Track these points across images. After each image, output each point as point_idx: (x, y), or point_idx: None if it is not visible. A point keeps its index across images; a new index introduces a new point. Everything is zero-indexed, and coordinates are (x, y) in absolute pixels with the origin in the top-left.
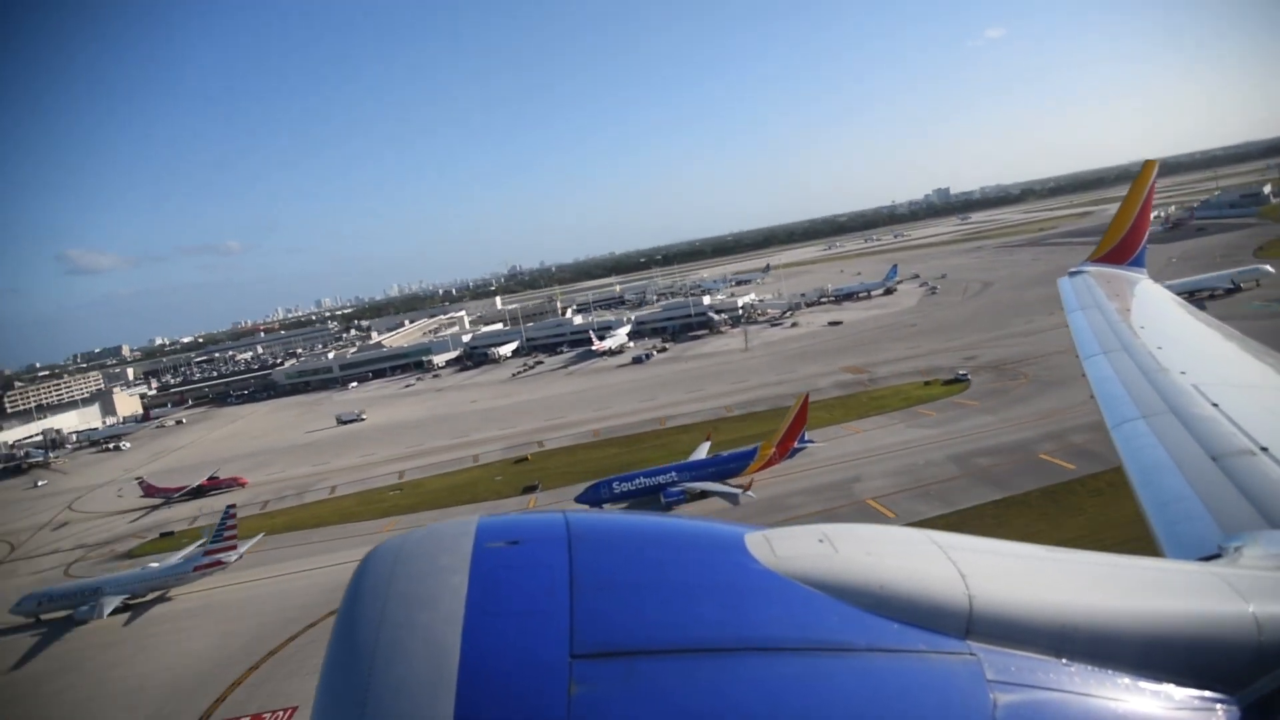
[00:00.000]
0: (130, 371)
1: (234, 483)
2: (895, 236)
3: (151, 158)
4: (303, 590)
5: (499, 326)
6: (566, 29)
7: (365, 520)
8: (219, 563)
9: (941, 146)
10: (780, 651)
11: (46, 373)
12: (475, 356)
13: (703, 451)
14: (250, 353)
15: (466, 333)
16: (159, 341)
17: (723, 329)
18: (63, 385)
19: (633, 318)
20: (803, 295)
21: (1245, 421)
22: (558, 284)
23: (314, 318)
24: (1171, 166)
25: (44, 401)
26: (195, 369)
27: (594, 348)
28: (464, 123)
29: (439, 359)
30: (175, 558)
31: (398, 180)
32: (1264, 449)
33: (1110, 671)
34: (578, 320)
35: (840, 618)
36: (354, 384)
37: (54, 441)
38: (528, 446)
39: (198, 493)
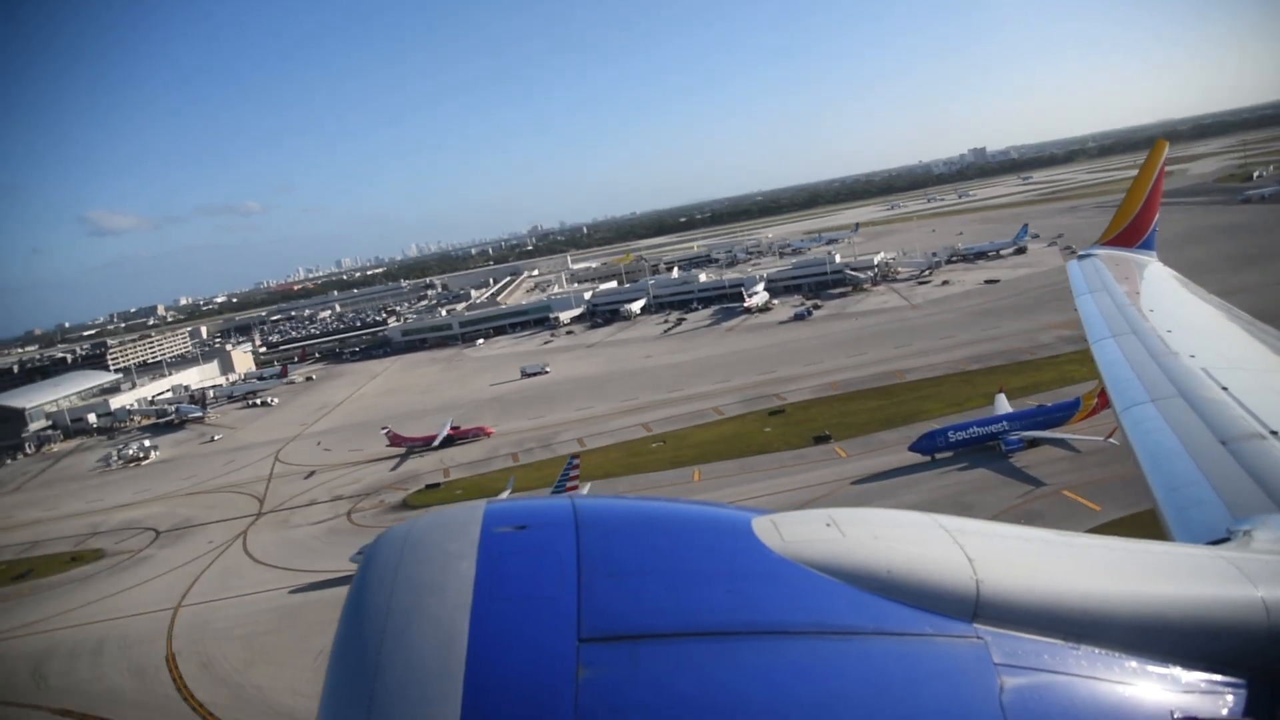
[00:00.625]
0: (204, 329)
1: (480, 432)
2: (960, 196)
3: (172, 119)
4: None
5: (612, 284)
6: None
7: (662, 470)
8: None
9: (966, 106)
10: (787, 635)
11: (93, 331)
12: (601, 314)
13: (1003, 403)
14: (328, 311)
15: (582, 290)
16: (184, 301)
17: (867, 287)
18: (153, 343)
19: (764, 275)
20: (934, 254)
21: (1255, 405)
22: (600, 244)
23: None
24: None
25: (140, 359)
26: (275, 328)
27: (746, 304)
28: (480, 85)
29: (564, 316)
30: None
31: (414, 140)
32: (1274, 433)
33: (1118, 655)
34: (703, 278)
35: (847, 602)
36: (481, 340)
37: (202, 398)
38: (761, 400)
39: (444, 443)
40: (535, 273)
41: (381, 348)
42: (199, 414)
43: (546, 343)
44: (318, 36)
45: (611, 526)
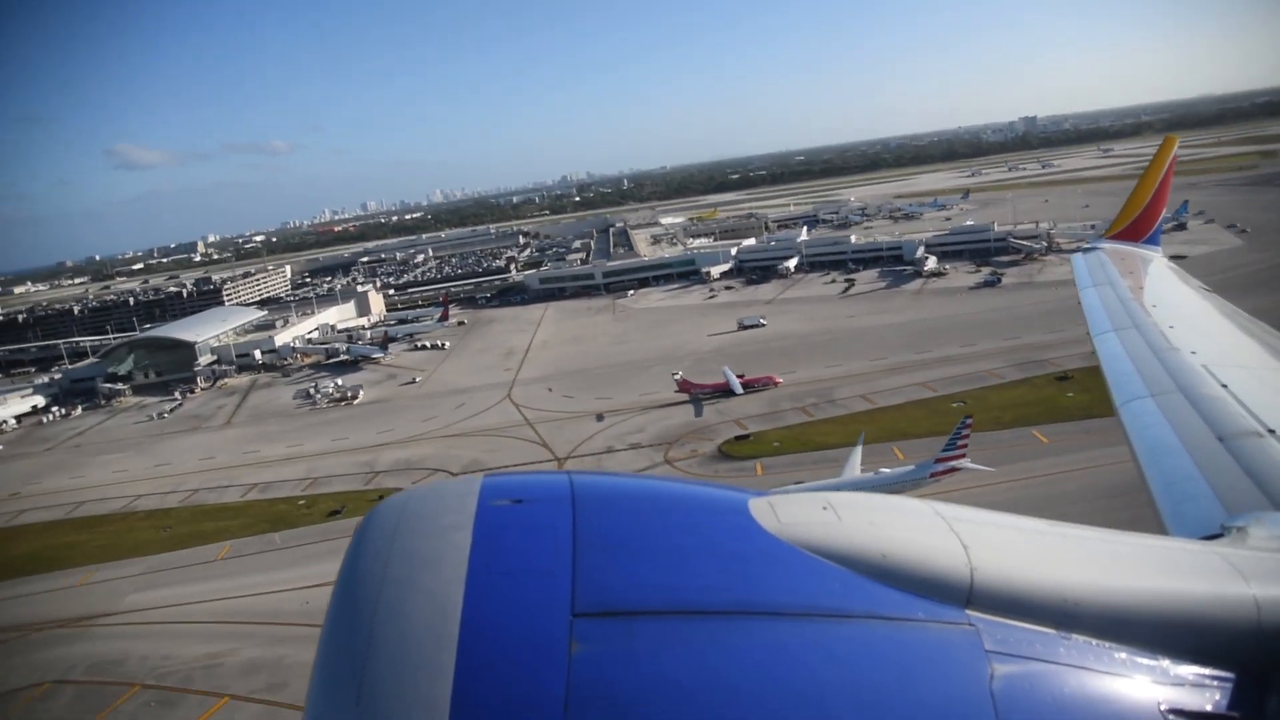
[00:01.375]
0: (289, 269)
1: (769, 382)
2: (1044, 166)
3: (202, 53)
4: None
5: (750, 241)
6: None
7: (999, 430)
8: (953, 470)
9: (1004, 73)
10: (780, 616)
11: (140, 266)
12: (751, 270)
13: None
14: (421, 255)
15: (727, 245)
16: (212, 239)
17: (1038, 256)
18: (255, 281)
19: (923, 240)
20: (1091, 225)
21: (1254, 403)
22: (656, 199)
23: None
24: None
25: (245, 298)
26: (370, 270)
27: (925, 268)
28: (509, 34)
29: (715, 271)
30: (907, 465)
31: (442, 84)
32: (1271, 431)
33: (1108, 646)
34: (854, 239)
35: (841, 585)
36: (631, 292)
37: (385, 337)
38: (1028, 366)
39: (729, 392)
40: (674, 221)
41: (517, 294)
42: (378, 354)
43: (711, 297)
44: None
45: (608, 503)
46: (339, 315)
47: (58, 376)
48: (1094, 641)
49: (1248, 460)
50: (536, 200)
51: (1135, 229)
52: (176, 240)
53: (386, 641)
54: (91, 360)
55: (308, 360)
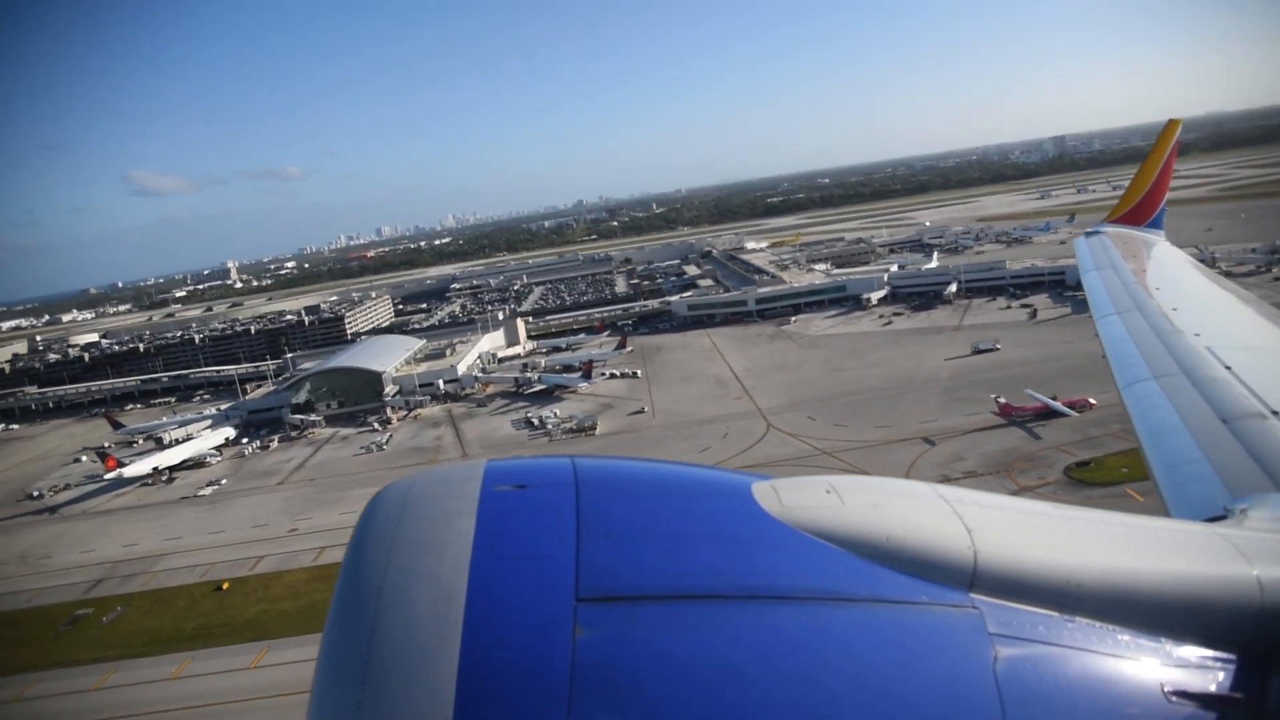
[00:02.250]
0: (389, 299)
1: (1084, 404)
2: (1114, 188)
3: (217, 80)
4: None
5: (892, 267)
6: None
7: None
8: None
9: (1017, 91)
10: (783, 600)
11: (184, 293)
12: (905, 295)
13: None
14: (518, 283)
15: (879, 270)
16: (232, 264)
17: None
18: (364, 310)
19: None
20: (1253, 249)
21: (1258, 385)
22: (706, 223)
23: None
24: None
25: (359, 327)
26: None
27: None
28: (523, 54)
29: (873, 296)
30: None
31: (452, 109)
32: (1275, 412)
33: (1111, 629)
34: (1008, 265)
35: (845, 568)
36: (795, 318)
37: (588, 365)
38: None
39: (1049, 415)
40: (757, 246)
41: (664, 321)
42: (582, 383)
43: (887, 323)
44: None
45: (611, 487)
46: (490, 344)
47: (225, 407)
48: (1097, 624)
49: (1251, 442)
50: (574, 224)
51: (1138, 213)
52: (191, 267)
53: (391, 627)
54: (267, 390)
55: (491, 390)
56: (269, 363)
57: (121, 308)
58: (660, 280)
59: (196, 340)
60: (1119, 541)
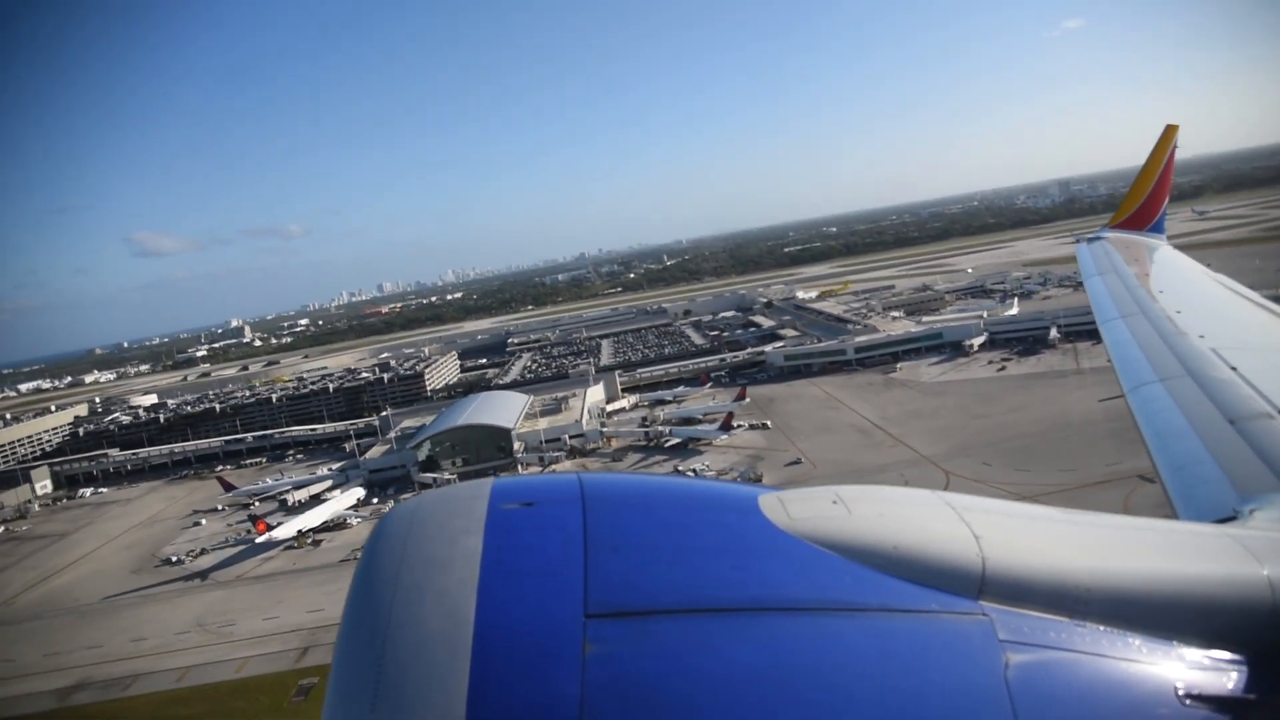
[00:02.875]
0: (455, 355)
1: None
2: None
3: (221, 139)
4: None
5: (984, 314)
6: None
7: None
8: None
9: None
10: (793, 612)
11: (206, 350)
12: (1001, 342)
13: None
14: (554, 332)
15: (972, 317)
16: (235, 324)
17: None
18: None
19: None
20: None
21: (1264, 385)
22: (734, 273)
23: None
24: None
25: (434, 384)
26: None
27: None
28: (520, 101)
29: (975, 343)
30: None
31: (448, 161)
32: None
33: (1122, 633)
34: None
35: (853, 578)
36: (900, 366)
37: (729, 419)
38: None
39: None
40: (808, 296)
41: (760, 371)
42: (721, 435)
43: (1001, 369)
44: (363, 61)
45: (618, 503)
46: (592, 398)
47: (337, 467)
48: (1108, 628)
49: (1259, 443)
50: (592, 276)
51: (1139, 218)
52: (193, 326)
53: (401, 646)
54: (384, 449)
55: (616, 444)
56: (355, 421)
57: (142, 367)
58: (727, 331)
59: (274, 400)
60: (1128, 545)
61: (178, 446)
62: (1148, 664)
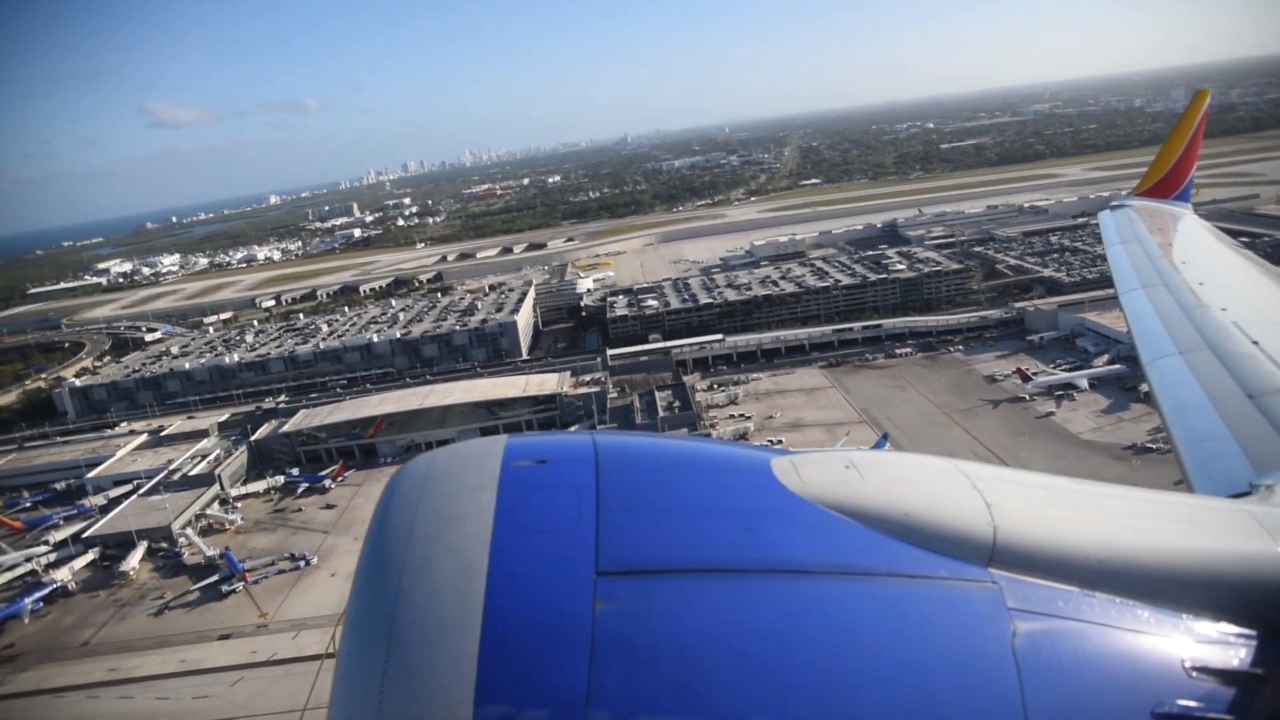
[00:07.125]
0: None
1: None
2: None
3: (239, 8)
4: None
5: None
6: None
7: None
8: None
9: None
10: (802, 575)
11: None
12: None
13: None
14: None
15: None
16: (274, 200)
17: None
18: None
19: None
20: None
21: None
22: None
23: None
24: None
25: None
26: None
27: None
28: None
29: None
30: None
31: (462, 34)
32: None
33: (1132, 604)
34: None
35: (863, 543)
36: None
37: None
38: None
39: None
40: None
41: None
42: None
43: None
44: None
45: (631, 463)
46: None
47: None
48: (1117, 599)
49: (1278, 418)
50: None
51: (1164, 185)
52: (207, 200)
53: (414, 598)
54: None
55: None
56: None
57: (202, 260)
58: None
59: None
60: (1141, 517)
61: None
62: (1156, 635)
